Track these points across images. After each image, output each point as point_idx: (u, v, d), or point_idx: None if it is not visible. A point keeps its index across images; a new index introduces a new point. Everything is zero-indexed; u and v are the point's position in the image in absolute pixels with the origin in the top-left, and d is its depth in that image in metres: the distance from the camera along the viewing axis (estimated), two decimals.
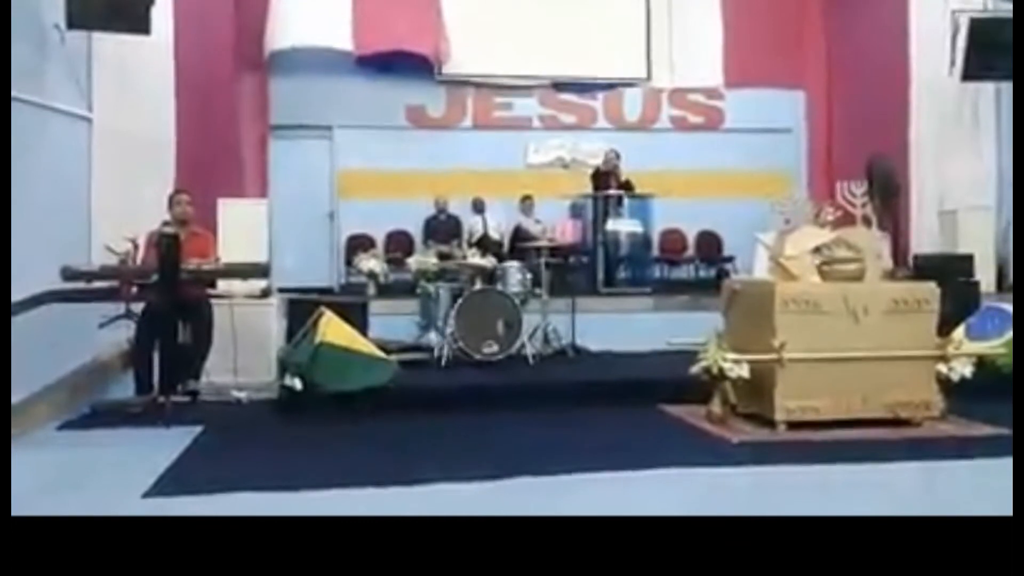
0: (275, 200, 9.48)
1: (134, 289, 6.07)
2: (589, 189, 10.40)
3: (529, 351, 7.26)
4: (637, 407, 5.94)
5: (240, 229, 7.35)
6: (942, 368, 5.43)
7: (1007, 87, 9.22)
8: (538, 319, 7.63)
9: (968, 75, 9.14)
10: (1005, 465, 4.53)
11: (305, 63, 10.74)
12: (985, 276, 8.61)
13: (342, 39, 10.49)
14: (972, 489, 4.22)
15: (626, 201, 10.28)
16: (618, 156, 10.40)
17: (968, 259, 8.48)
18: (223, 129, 9.23)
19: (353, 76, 10.93)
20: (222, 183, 8.54)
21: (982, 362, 5.80)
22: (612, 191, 10.14)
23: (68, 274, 5.77)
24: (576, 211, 11.00)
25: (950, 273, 7.81)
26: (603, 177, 10.33)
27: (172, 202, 6.43)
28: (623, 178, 10.30)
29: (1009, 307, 6.80)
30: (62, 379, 5.88)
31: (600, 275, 10.09)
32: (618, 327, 8.13)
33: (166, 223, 6.03)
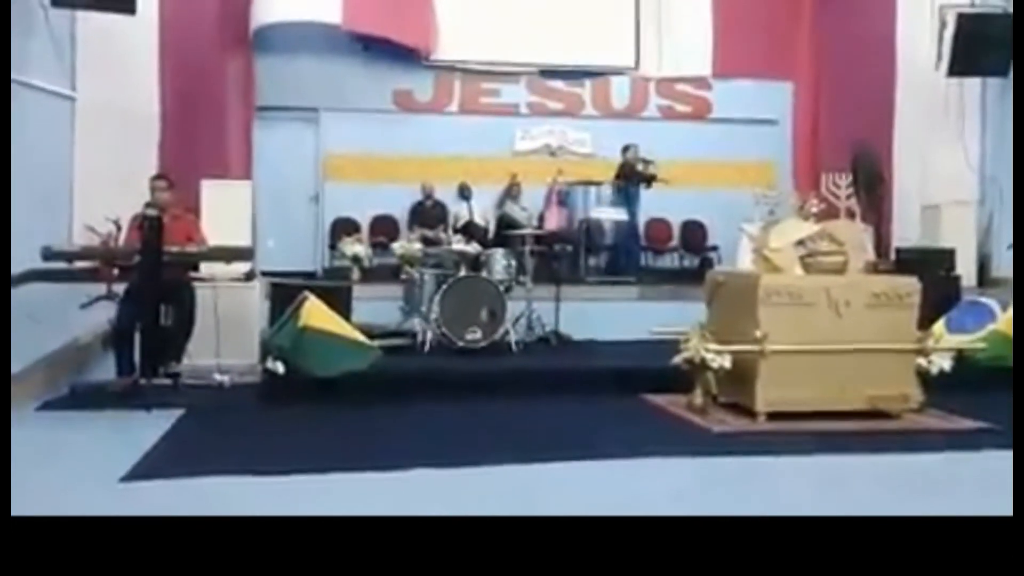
0: (259, 182, 9.43)
1: (116, 270, 6.02)
2: (574, 177, 10.44)
3: (512, 338, 7.26)
4: (619, 396, 5.96)
5: (223, 211, 7.31)
6: (922, 361, 5.47)
7: (992, 82, 9.28)
8: (522, 306, 7.62)
9: (954, 70, 9.19)
10: (981, 458, 4.61)
11: (292, 42, 10.66)
12: (966, 270, 8.68)
13: (330, 13, 10.35)
14: (948, 482, 4.25)
15: (611, 190, 10.29)
16: (638, 150, 10.36)
17: (950, 253, 8.54)
18: (208, 109, 9.16)
19: (340, 58, 10.86)
20: (206, 164, 8.48)
21: (961, 356, 5.85)
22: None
23: (49, 254, 5.72)
24: (562, 199, 11.00)
25: (931, 267, 7.88)
26: (627, 169, 10.27)
27: (151, 187, 6.35)
28: (650, 171, 10.19)
29: (989, 301, 6.85)
30: (42, 359, 5.83)
31: (585, 263, 10.11)
32: (602, 315, 8.14)
33: (149, 205, 5.97)
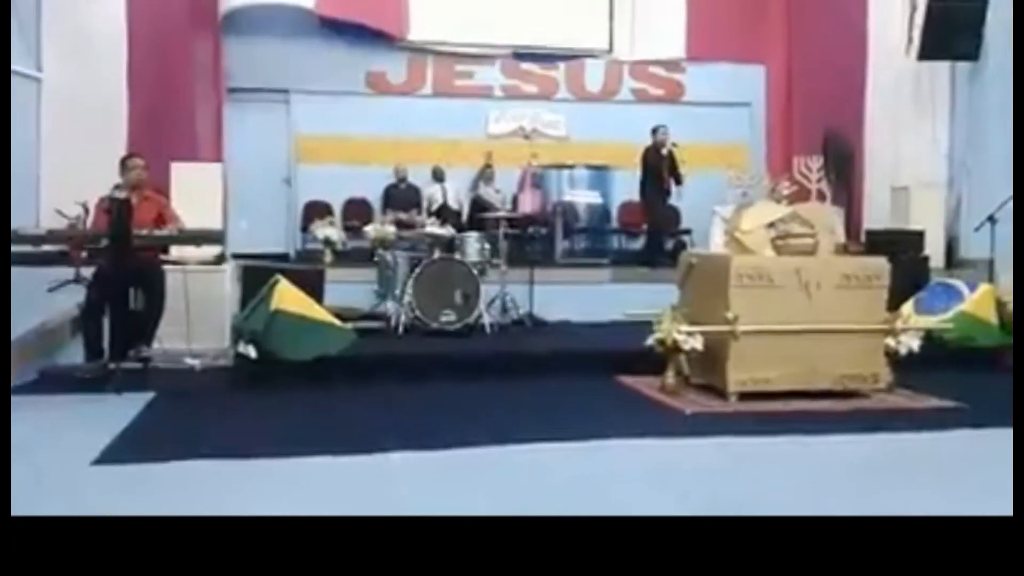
0: (231, 164, 9.32)
1: (84, 254, 5.94)
2: (548, 160, 10.40)
3: (487, 321, 7.26)
4: (593, 377, 5.99)
5: (194, 193, 7.22)
6: (890, 342, 5.54)
7: (962, 67, 9.35)
8: (496, 289, 7.62)
9: (924, 54, 9.25)
10: (949, 437, 4.68)
11: (262, 22, 10.54)
12: (935, 252, 8.79)
13: None
14: (918, 459, 4.32)
15: (585, 172, 10.29)
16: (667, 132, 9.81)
17: (919, 235, 8.63)
18: (176, 90, 9.02)
19: (311, 39, 10.75)
20: (175, 146, 8.37)
21: (929, 336, 5.93)
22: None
23: (16, 237, 5.64)
24: (536, 181, 10.99)
25: (901, 248, 7.95)
26: (652, 154, 9.74)
27: (125, 166, 6.22)
28: (677, 158, 9.67)
29: (957, 283, 6.95)
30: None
31: (559, 246, 10.12)
32: (576, 298, 8.16)
33: (117, 187, 5.89)
